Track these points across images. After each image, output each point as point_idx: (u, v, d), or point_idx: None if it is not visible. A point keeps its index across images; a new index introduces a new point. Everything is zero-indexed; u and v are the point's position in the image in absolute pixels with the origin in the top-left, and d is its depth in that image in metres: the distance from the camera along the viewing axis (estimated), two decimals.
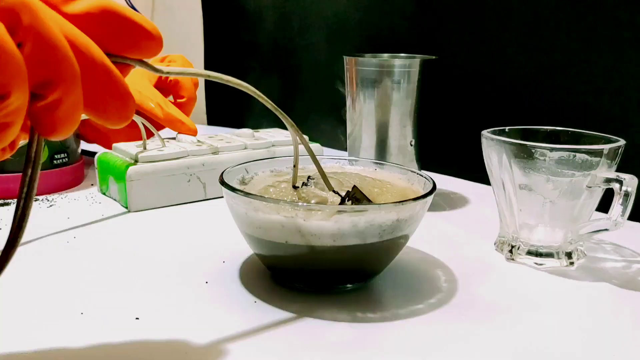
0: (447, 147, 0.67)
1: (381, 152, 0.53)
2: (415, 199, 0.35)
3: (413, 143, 0.53)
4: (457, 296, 0.37)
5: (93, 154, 0.67)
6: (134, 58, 0.26)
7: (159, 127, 0.61)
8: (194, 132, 0.59)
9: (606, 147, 0.38)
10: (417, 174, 0.42)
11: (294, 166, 0.38)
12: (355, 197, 0.37)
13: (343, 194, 0.37)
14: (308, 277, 0.37)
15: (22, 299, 0.35)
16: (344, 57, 0.54)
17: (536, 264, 0.42)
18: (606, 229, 0.39)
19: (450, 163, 0.69)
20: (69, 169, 0.58)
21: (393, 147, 0.53)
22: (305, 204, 0.35)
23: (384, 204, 0.33)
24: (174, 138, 0.60)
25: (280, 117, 0.34)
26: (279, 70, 0.93)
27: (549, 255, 0.42)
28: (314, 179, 0.39)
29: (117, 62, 0.26)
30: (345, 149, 0.58)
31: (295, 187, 0.38)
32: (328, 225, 0.33)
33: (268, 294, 0.36)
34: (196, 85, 0.66)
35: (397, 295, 0.37)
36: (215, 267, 0.40)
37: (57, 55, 0.21)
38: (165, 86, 0.64)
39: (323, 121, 0.86)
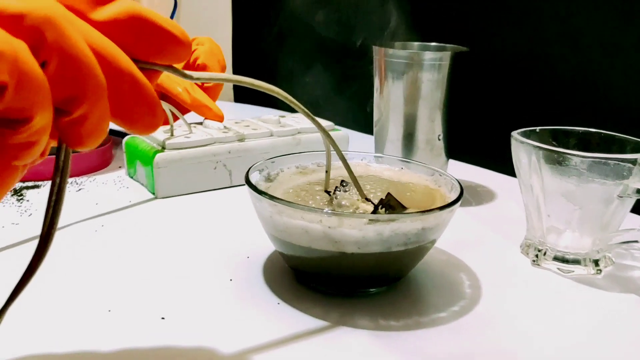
0: (476, 139, 0.66)
1: (408, 145, 0.53)
2: (441, 208, 0.34)
3: (441, 137, 0.53)
4: (480, 304, 0.37)
5: (121, 134, 0.68)
6: (162, 64, 0.26)
7: (185, 111, 0.61)
8: (220, 118, 0.59)
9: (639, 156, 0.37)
10: (445, 175, 0.41)
11: (327, 172, 0.38)
12: (390, 204, 0.36)
13: (376, 201, 0.37)
14: (331, 280, 0.37)
15: (48, 294, 0.36)
16: (373, 46, 0.53)
17: (561, 270, 0.41)
18: (636, 241, 0.38)
19: (478, 153, 0.68)
20: (98, 151, 0.59)
21: (420, 141, 0.52)
22: (329, 210, 0.34)
23: (409, 213, 0.33)
24: (200, 123, 0.60)
25: (314, 124, 0.33)
26: (309, 51, 0.92)
27: (576, 261, 0.41)
28: (347, 183, 0.39)
29: (145, 68, 0.26)
30: (371, 132, 0.57)
31: (327, 192, 0.38)
32: (352, 232, 0.33)
33: (291, 295, 0.37)
34: (224, 68, 0.65)
35: (420, 301, 0.37)
36: (240, 264, 0.40)
37: (82, 71, 0.21)
38: (192, 69, 0.64)
39: (350, 103, 0.85)
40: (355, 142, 0.66)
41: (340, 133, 0.64)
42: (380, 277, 0.37)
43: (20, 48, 0.19)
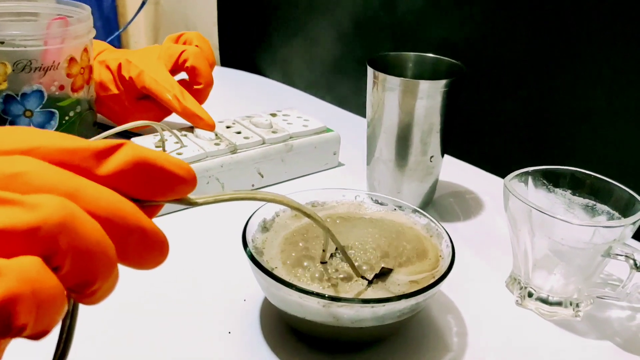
0: (469, 139, 0.67)
1: (399, 166, 0.53)
2: (434, 285, 0.36)
3: (433, 158, 0.53)
4: (466, 356, 0.39)
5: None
6: (167, 200, 0.26)
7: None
8: (211, 128, 0.58)
9: (627, 222, 0.38)
10: (437, 225, 0.42)
11: (323, 250, 0.39)
12: (383, 272, 0.38)
13: (370, 274, 0.38)
14: (326, 342, 0.39)
15: None
16: (367, 66, 0.52)
17: (543, 311, 0.43)
18: (617, 298, 0.40)
19: (470, 151, 0.68)
20: None
21: (412, 162, 0.52)
22: (326, 295, 0.35)
23: (403, 295, 0.34)
24: (191, 128, 0.59)
25: (315, 222, 0.33)
26: (298, 38, 0.90)
27: (558, 304, 0.43)
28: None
29: (151, 205, 0.26)
30: (363, 115, 0.56)
31: (323, 263, 0.39)
32: (347, 311, 0.34)
33: (288, 354, 0.38)
34: (213, 65, 0.63)
35: (410, 354, 0.39)
36: (237, 309, 0.42)
37: (94, 262, 0.21)
38: (181, 69, 0.62)
39: (343, 83, 0.84)
40: (349, 130, 0.65)
41: (333, 134, 0.64)
42: (374, 341, 0.39)
43: (35, 272, 0.18)
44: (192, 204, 0.27)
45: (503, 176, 0.63)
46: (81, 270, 0.21)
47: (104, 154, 0.23)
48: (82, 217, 0.21)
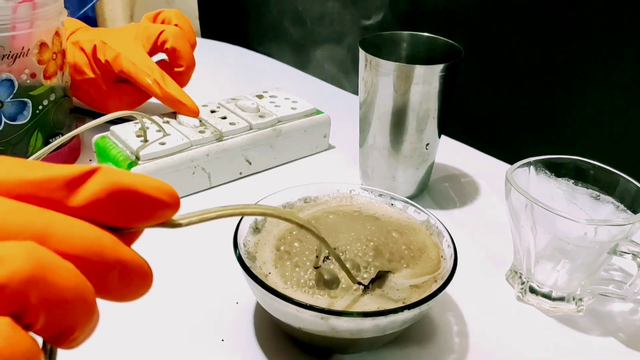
0: (463, 119, 0.64)
1: (394, 153, 0.51)
2: (440, 289, 0.34)
3: (429, 146, 0.51)
4: (469, 357, 0.38)
5: (88, 112, 0.64)
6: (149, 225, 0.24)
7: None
8: (195, 114, 0.55)
9: (636, 219, 0.37)
10: (437, 222, 0.40)
11: (317, 256, 0.36)
12: (379, 276, 0.36)
13: (365, 276, 0.36)
14: (323, 350, 0.37)
15: None
16: (360, 49, 0.49)
17: (546, 307, 0.42)
18: (623, 297, 0.39)
19: (464, 130, 0.66)
20: (66, 149, 0.55)
21: (407, 150, 0.50)
22: (328, 310, 0.33)
23: (408, 306, 0.32)
24: (174, 114, 0.56)
25: (311, 234, 0.30)
26: (284, 20, 0.86)
27: (560, 299, 0.42)
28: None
29: (130, 232, 0.23)
30: (354, 92, 0.54)
31: (316, 268, 0.37)
32: (347, 324, 0.33)
33: (284, 357, 0.37)
34: (194, 46, 0.60)
35: (413, 358, 0.37)
36: (230, 314, 0.40)
37: (71, 312, 0.19)
38: (160, 50, 0.58)
39: (333, 58, 0.80)
40: (340, 108, 0.63)
41: (323, 116, 0.61)
42: (373, 347, 0.37)
43: (3, 338, 0.16)
44: (175, 226, 0.25)
45: (498, 156, 0.62)
46: (58, 322, 0.19)
47: (75, 183, 0.21)
48: (54, 264, 0.19)
